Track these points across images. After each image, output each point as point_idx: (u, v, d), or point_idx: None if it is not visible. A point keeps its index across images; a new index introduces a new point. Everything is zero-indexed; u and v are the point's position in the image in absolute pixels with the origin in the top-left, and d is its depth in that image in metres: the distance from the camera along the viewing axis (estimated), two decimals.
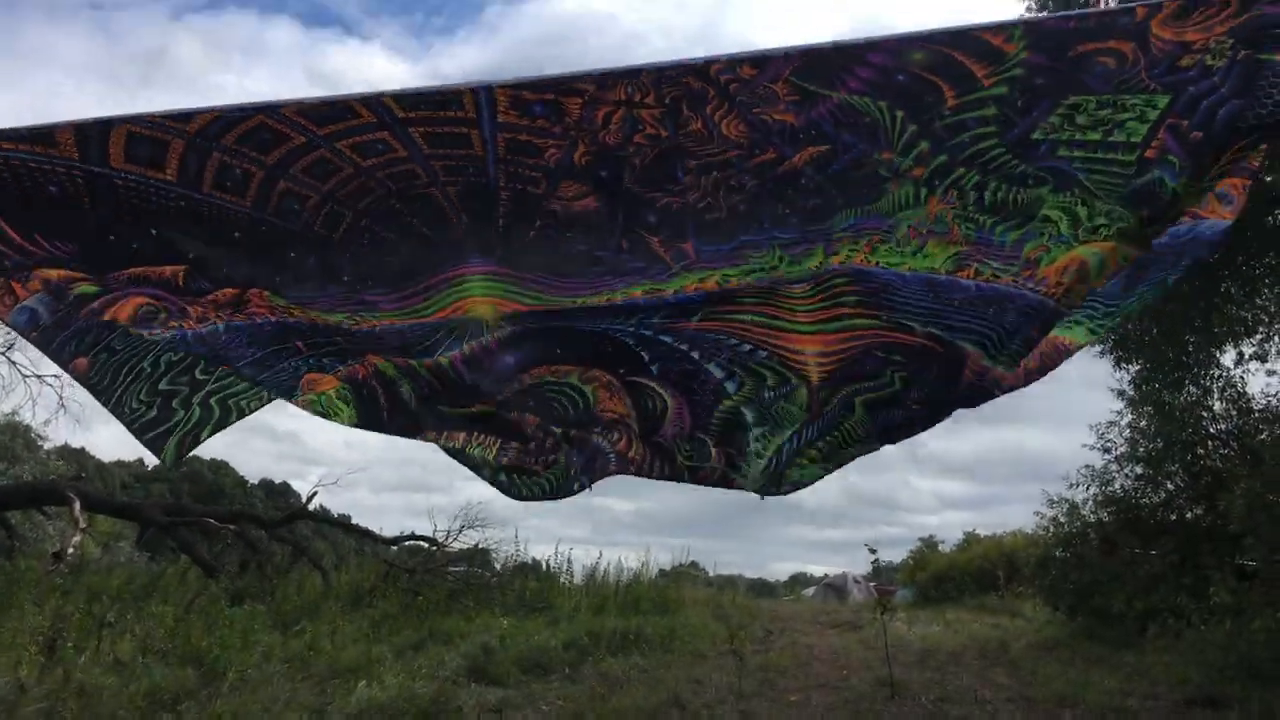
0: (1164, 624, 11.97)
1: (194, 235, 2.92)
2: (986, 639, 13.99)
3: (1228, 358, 12.47)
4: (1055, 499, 15.09)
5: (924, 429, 3.73)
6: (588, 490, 4.08)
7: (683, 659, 12.01)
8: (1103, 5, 2.87)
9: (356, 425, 3.73)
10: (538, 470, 4.05)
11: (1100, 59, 2.35)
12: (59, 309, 3.10)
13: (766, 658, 12.23)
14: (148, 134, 2.58)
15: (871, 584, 27.14)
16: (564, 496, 4.14)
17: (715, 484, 3.92)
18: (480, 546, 19.16)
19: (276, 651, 10.28)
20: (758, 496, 4.02)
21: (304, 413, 3.67)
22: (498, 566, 20.14)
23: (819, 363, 3.54)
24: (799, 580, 40.36)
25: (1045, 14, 2.65)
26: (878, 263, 3.12)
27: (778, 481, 3.88)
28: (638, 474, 3.99)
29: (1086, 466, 14.56)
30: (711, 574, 29.13)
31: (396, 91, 2.48)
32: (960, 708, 9.29)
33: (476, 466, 4.02)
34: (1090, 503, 14.59)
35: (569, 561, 19.52)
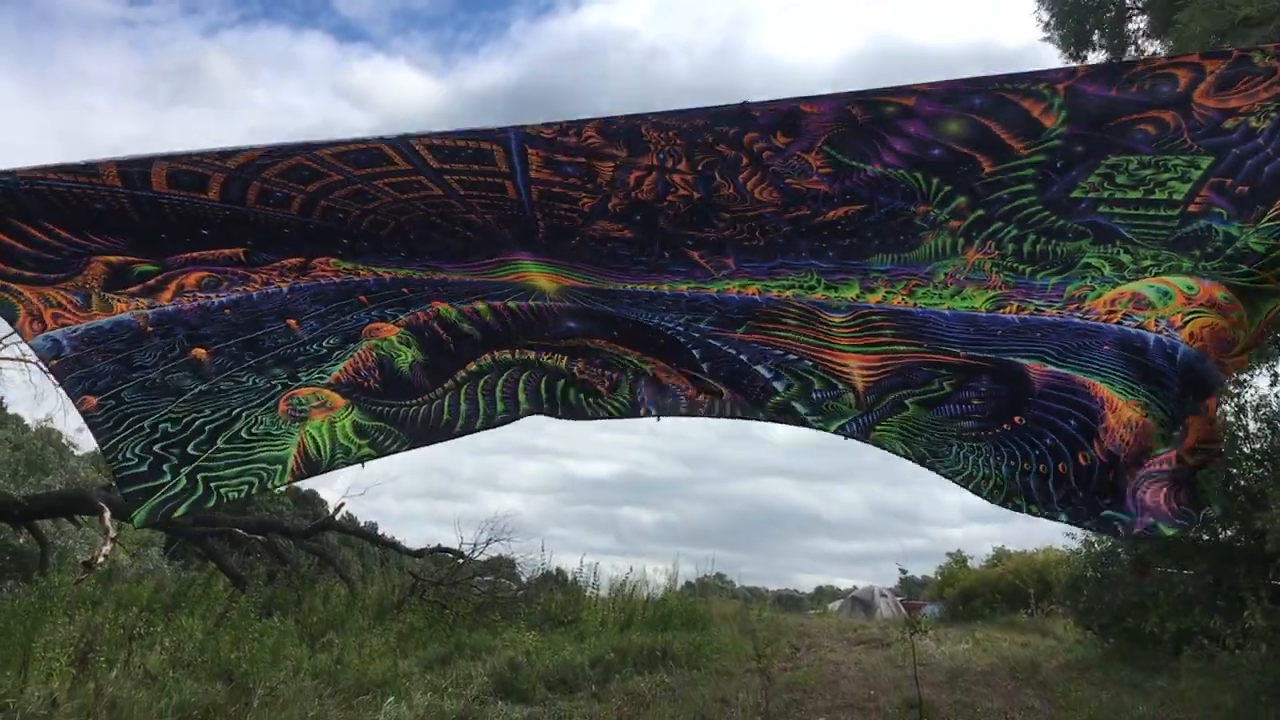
0: (1198, 647, 11.80)
1: (245, 234, 3.00)
2: (1017, 659, 13.83)
3: (1262, 379, 12.31)
4: None
5: (991, 427, 3.68)
6: (654, 419, 4.13)
7: (710, 676, 11.94)
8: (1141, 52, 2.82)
9: (415, 365, 3.78)
10: (602, 391, 4.09)
11: (1141, 126, 2.30)
12: (80, 348, 3.18)
13: (794, 676, 12.15)
14: (188, 169, 2.61)
15: (899, 599, 26.98)
16: (632, 417, 4.18)
17: (795, 421, 3.94)
18: (505, 556, 19.18)
19: (305, 665, 10.31)
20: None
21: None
22: (523, 578, 20.15)
23: (863, 374, 3.57)
24: (825, 593, 40.11)
25: (1088, 72, 2.51)
26: (916, 304, 3.12)
27: (865, 430, 3.87)
28: (708, 414, 4.06)
29: None
30: (738, 586, 29.05)
31: (431, 140, 2.47)
32: None
33: (551, 375, 4.05)
34: None
35: (594, 574, 19.46)
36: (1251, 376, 12.32)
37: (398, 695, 9.29)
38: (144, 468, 3.43)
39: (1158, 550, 13.51)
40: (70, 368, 3.20)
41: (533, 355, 3.97)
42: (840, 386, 3.67)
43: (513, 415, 4.08)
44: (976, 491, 3.79)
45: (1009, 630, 18.40)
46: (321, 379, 3.67)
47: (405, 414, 3.89)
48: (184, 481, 3.49)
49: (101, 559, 12.25)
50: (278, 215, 2.86)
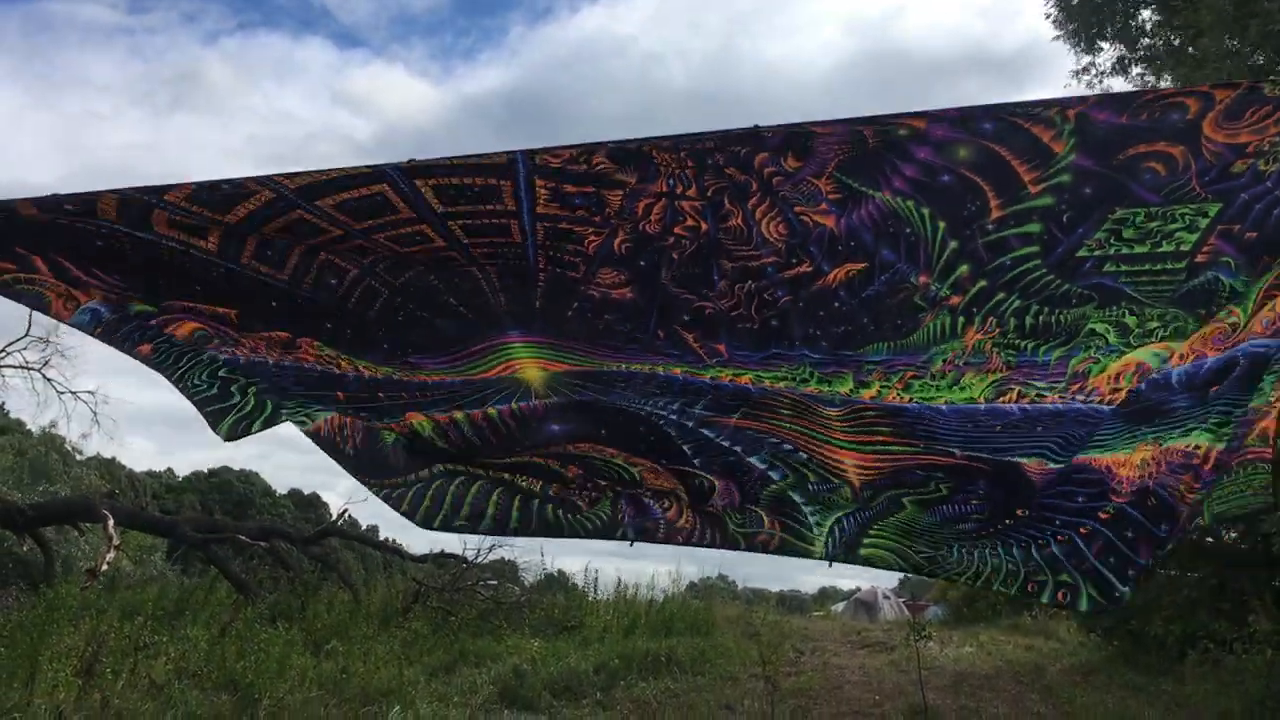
0: (1203, 650, 11.80)
1: (236, 297, 2.99)
2: (1021, 662, 13.84)
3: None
4: None
5: (993, 525, 3.46)
6: (629, 544, 3.98)
7: (714, 682, 11.94)
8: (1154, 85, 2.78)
9: (396, 446, 3.72)
10: (582, 506, 3.95)
11: (1150, 164, 2.26)
12: (119, 312, 3.19)
13: (798, 681, 12.15)
14: (187, 220, 2.62)
15: (902, 600, 26.96)
16: (610, 539, 4.00)
17: (777, 551, 3.74)
18: (507, 560, 19.19)
19: (310, 674, 10.31)
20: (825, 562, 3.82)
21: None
22: (526, 582, 20.16)
23: (859, 471, 3.41)
24: (828, 594, 40.09)
25: (1099, 100, 2.48)
26: (911, 399, 3.04)
27: (850, 551, 3.69)
28: (686, 543, 3.87)
29: None
30: (740, 587, 29.04)
31: (436, 179, 2.45)
32: None
33: (524, 496, 3.92)
34: None
35: (596, 577, 19.46)
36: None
37: (403, 704, 9.29)
38: (214, 390, 3.46)
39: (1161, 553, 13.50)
40: (115, 327, 3.21)
41: (507, 475, 3.87)
42: (836, 481, 3.50)
43: (472, 527, 3.98)
44: (988, 585, 3.57)
45: (1013, 633, 18.41)
46: (305, 424, 3.68)
47: (380, 493, 3.86)
48: (253, 400, 3.52)
49: (105, 566, 12.28)
50: (267, 279, 2.85)
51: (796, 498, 3.64)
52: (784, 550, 3.76)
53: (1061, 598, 3.34)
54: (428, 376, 3.35)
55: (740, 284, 2.72)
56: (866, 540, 3.65)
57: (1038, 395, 2.94)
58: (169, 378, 3.41)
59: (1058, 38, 13.55)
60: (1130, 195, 2.34)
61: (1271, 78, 2.16)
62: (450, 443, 3.64)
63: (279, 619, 13.12)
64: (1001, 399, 2.96)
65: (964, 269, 2.54)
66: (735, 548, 3.83)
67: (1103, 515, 3.19)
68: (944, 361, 2.86)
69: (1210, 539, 13.51)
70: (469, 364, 3.26)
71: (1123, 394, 2.87)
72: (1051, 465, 3.18)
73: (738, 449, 3.49)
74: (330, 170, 2.50)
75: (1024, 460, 3.19)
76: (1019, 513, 3.38)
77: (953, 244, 2.50)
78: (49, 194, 2.62)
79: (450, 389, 3.41)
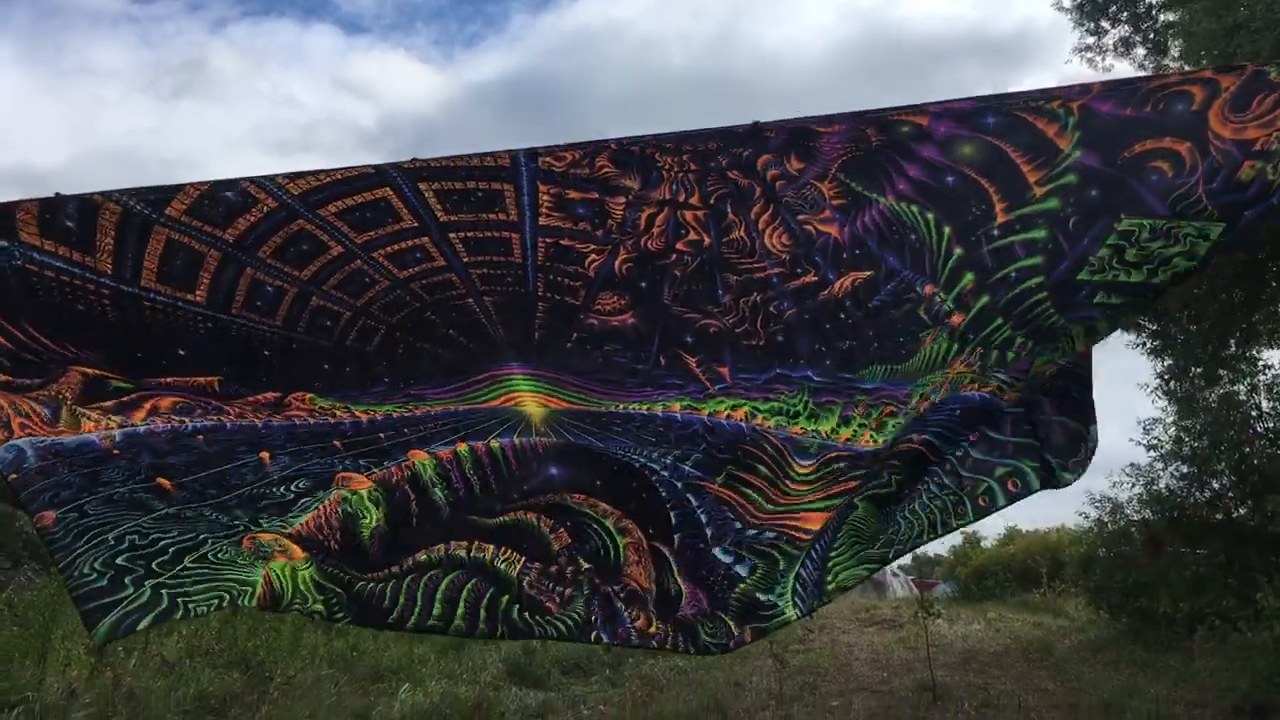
0: (1211, 627, 11.81)
1: (223, 354, 2.94)
2: (1029, 639, 13.86)
3: (1277, 355, 12.31)
4: (1099, 498, 14.91)
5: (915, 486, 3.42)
6: (604, 645, 3.88)
7: (722, 660, 11.99)
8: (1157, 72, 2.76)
9: (375, 535, 3.54)
10: (552, 609, 3.79)
11: (1156, 163, 2.25)
12: (46, 459, 3.07)
13: (806, 658, 12.20)
14: (185, 242, 2.59)
15: (911, 578, 27.00)
16: (583, 642, 3.87)
17: (756, 639, 3.68)
18: None
19: (321, 651, 10.39)
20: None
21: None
22: None
23: (824, 519, 3.40)
24: None
25: (1102, 89, 2.44)
26: (882, 441, 3.05)
27: (820, 595, 3.58)
28: (659, 649, 3.79)
29: (1131, 465, 14.38)
30: None
31: (440, 184, 2.44)
32: (1004, 714, 9.23)
33: (498, 588, 3.74)
34: (1134, 501, 14.40)
35: None
36: (1261, 353, 12.31)
37: (413, 682, 9.36)
38: (103, 582, 3.28)
39: (1169, 528, 13.52)
40: (31, 481, 3.08)
41: (489, 554, 3.71)
42: (800, 550, 3.45)
43: (443, 629, 3.80)
44: (946, 529, 3.47)
45: (1021, 610, 18.44)
46: (283, 529, 3.50)
47: (355, 587, 3.68)
48: (148, 594, 3.34)
49: None
50: (260, 328, 2.81)
51: (762, 597, 3.56)
52: (760, 635, 3.68)
53: (1013, 487, 3.25)
54: (430, 407, 3.30)
55: (745, 297, 2.72)
56: (829, 577, 3.54)
57: (999, 388, 2.96)
58: (59, 560, 3.25)
59: (1062, 9, 13.38)
60: (1137, 201, 2.31)
61: (1277, 63, 2.13)
62: (449, 488, 3.57)
63: None
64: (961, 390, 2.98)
65: (969, 279, 2.54)
66: (707, 654, 3.74)
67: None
68: (921, 396, 2.89)
69: (1220, 515, 13.52)
70: (472, 393, 3.24)
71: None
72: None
73: (709, 531, 3.45)
74: (334, 170, 2.50)
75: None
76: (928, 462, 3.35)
77: (958, 251, 2.50)
78: (54, 193, 2.60)
79: (454, 418, 3.36)
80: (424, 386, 3.20)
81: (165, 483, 3.26)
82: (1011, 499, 3.31)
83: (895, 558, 3.56)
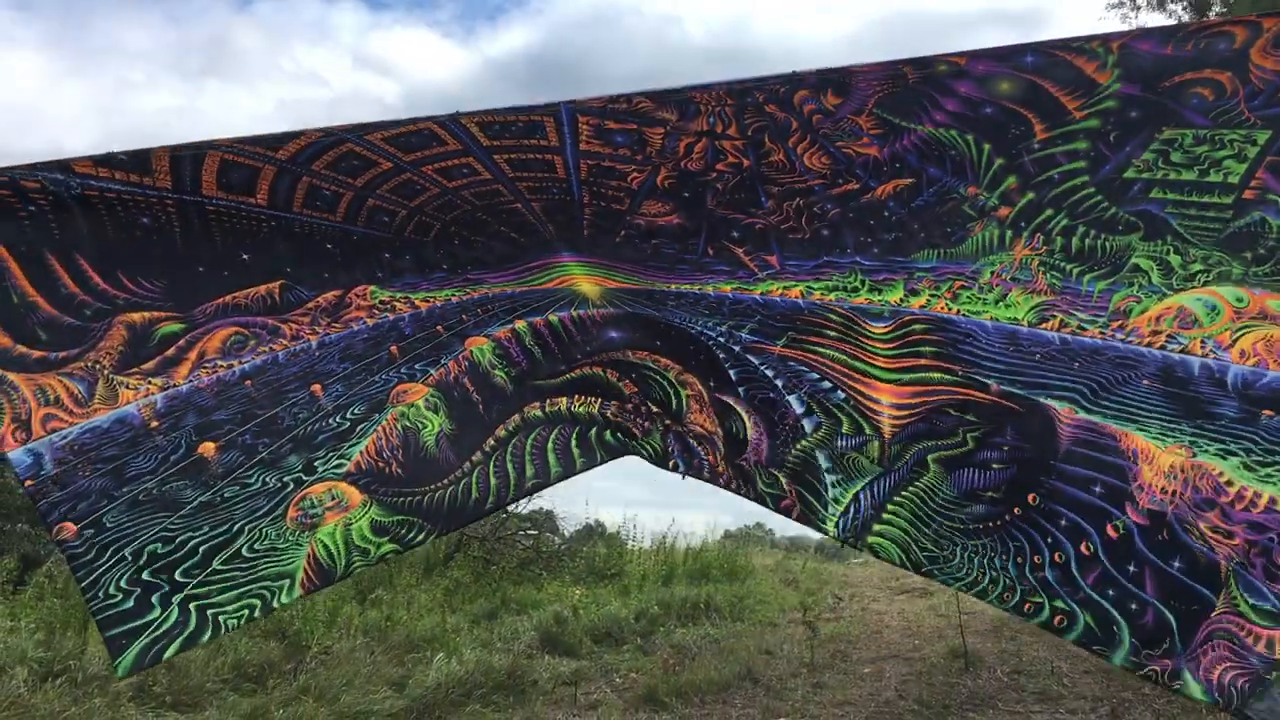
0: None
1: (287, 252, 2.99)
2: None
3: None
4: None
5: (998, 518, 3.30)
6: (680, 476, 3.98)
7: (753, 628, 12.04)
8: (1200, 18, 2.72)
9: (442, 438, 3.64)
10: (636, 434, 3.97)
11: (1197, 89, 2.23)
12: (66, 460, 3.03)
13: (837, 627, 12.22)
14: (239, 160, 2.64)
15: None
16: (661, 466, 4.01)
17: (797, 519, 3.70)
18: (546, 510, 19.32)
19: (356, 622, 10.49)
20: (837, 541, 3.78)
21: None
22: (566, 532, 20.32)
23: (892, 416, 3.36)
24: None
25: (1142, 33, 2.42)
26: (959, 310, 2.99)
27: (860, 535, 3.59)
28: (725, 487, 3.85)
29: None
30: (778, 535, 29.13)
31: (481, 117, 2.50)
32: (1037, 680, 9.22)
33: (583, 425, 3.92)
34: None
35: (634, 527, 19.57)
36: None
37: (447, 651, 9.45)
38: (130, 603, 3.21)
39: None
40: (50, 488, 3.04)
41: (564, 405, 3.81)
42: (868, 431, 3.42)
43: (544, 481, 3.91)
44: (982, 597, 3.41)
45: None
46: (340, 468, 3.49)
47: (431, 500, 3.67)
48: (176, 614, 3.28)
49: None
50: (323, 223, 2.87)
51: (822, 460, 3.56)
52: (803, 519, 3.71)
53: (1059, 623, 3.17)
54: (489, 290, 3.41)
55: (789, 201, 2.75)
56: (878, 526, 3.52)
57: (1079, 327, 2.87)
58: (80, 580, 3.16)
59: None
60: (1178, 117, 2.31)
61: None
62: (511, 363, 3.63)
63: None
64: (1044, 325, 2.90)
65: (1012, 180, 2.54)
66: (764, 505, 3.79)
67: (1111, 532, 3.00)
68: (992, 274, 2.85)
69: None
70: (530, 276, 3.34)
71: (1162, 339, 2.77)
72: (1080, 414, 3.04)
73: (779, 383, 3.48)
74: (378, 122, 2.55)
75: (1054, 403, 3.07)
76: (1030, 499, 3.22)
77: (999, 160, 2.50)
78: (103, 152, 2.63)
79: (512, 299, 3.46)
80: (483, 271, 3.33)
81: (209, 448, 3.25)
82: (1053, 630, 3.21)
83: (928, 576, 3.51)
